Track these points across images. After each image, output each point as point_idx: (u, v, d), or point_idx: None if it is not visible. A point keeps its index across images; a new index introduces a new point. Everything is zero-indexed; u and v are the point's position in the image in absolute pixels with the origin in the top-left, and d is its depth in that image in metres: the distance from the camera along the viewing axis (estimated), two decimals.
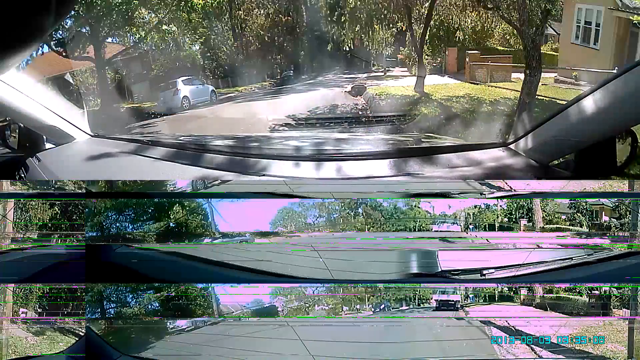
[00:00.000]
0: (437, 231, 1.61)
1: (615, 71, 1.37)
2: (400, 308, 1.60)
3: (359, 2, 10.10)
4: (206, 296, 1.59)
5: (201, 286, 1.59)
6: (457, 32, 10.82)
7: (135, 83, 12.77)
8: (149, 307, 1.59)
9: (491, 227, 1.61)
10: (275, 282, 1.56)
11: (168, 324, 1.60)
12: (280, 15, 13.55)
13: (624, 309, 1.57)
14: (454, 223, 1.58)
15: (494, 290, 1.59)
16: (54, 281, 1.63)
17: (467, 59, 11.01)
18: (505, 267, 1.52)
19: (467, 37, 11.24)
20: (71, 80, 11.93)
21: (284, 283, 1.56)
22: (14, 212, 1.66)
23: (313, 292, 1.58)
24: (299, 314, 1.57)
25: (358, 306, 1.58)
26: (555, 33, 11.39)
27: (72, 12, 9.51)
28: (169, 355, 1.57)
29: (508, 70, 10.55)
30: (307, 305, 1.58)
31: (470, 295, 1.59)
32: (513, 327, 1.55)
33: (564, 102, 1.56)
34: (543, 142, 1.67)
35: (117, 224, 1.61)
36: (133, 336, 1.59)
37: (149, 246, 1.58)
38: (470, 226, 1.60)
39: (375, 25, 10.43)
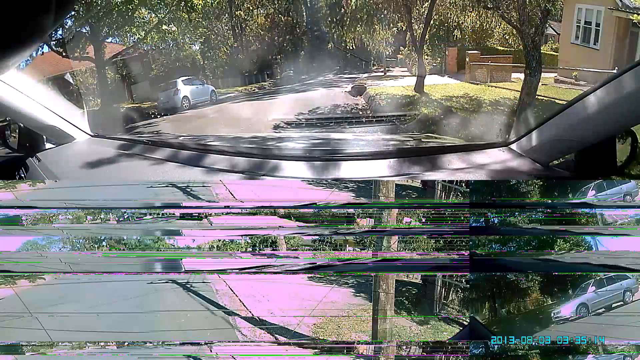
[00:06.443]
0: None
1: (615, 71, 1.37)
2: None
3: (359, 2, 10.10)
4: None
5: None
6: (455, 30, 10.81)
7: (135, 83, 12.76)
8: None
9: None
10: None
11: None
12: (280, 15, 13.54)
13: None
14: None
15: None
16: None
17: (467, 59, 11.01)
18: None
19: (466, 36, 11.24)
20: (71, 80, 11.92)
21: None
22: None
23: None
24: None
25: None
26: (555, 33, 11.38)
27: (72, 12, 9.51)
28: None
29: (508, 70, 10.54)
30: None
31: None
32: None
33: (564, 102, 1.56)
34: (543, 142, 1.67)
35: None
36: None
37: None
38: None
39: (375, 25, 10.42)
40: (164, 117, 10.84)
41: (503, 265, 1.64)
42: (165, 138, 3.87)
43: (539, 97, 7.98)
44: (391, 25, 10.60)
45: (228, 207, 1.69)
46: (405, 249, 1.67)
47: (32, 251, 1.67)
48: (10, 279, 1.67)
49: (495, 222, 1.65)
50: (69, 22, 10.60)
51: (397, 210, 1.69)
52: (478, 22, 10.69)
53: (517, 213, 1.65)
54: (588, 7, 9.66)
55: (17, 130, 2.39)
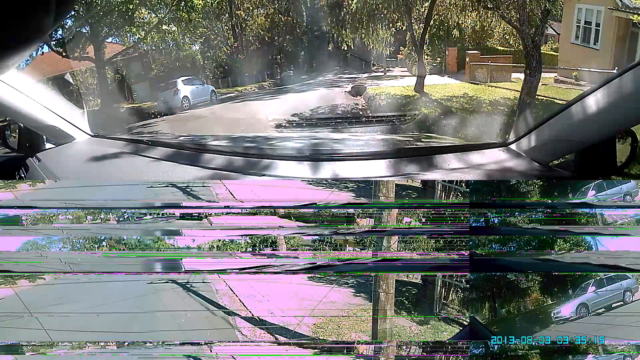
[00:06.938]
0: None
1: (615, 71, 1.37)
2: None
3: (359, 2, 10.10)
4: None
5: None
6: (454, 30, 10.81)
7: (135, 83, 12.76)
8: None
9: None
10: None
11: None
12: (280, 15, 13.54)
13: None
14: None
15: None
16: None
17: (467, 59, 11.01)
18: None
19: (466, 36, 11.24)
20: (71, 80, 11.92)
21: None
22: None
23: None
24: None
25: None
26: (555, 33, 11.38)
27: (72, 12, 9.51)
28: None
29: (508, 70, 10.54)
30: None
31: None
32: None
33: (564, 102, 1.57)
34: (543, 142, 1.67)
35: None
36: None
37: None
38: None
39: (375, 25, 10.42)
40: (164, 117, 10.84)
41: (503, 265, 1.64)
42: (165, 138, 3.88)
43: (539, 97, 7.98)
44: (391, 25, 10.60)
45: (228, 207, 1.69)
46: (405, 249, 1.67)
47: (32, 251, 1.67)
48: (10, 279, 1.67)
49: (495, 222, 1.65)
50: (69, 22, 10.60)
51: (397, 210, 1.69)
52: (478, 22, 10.69)
53: (517, 213, 1.65)
54: (588, 7, 9.66)
55: (17, 130, 2.39)
